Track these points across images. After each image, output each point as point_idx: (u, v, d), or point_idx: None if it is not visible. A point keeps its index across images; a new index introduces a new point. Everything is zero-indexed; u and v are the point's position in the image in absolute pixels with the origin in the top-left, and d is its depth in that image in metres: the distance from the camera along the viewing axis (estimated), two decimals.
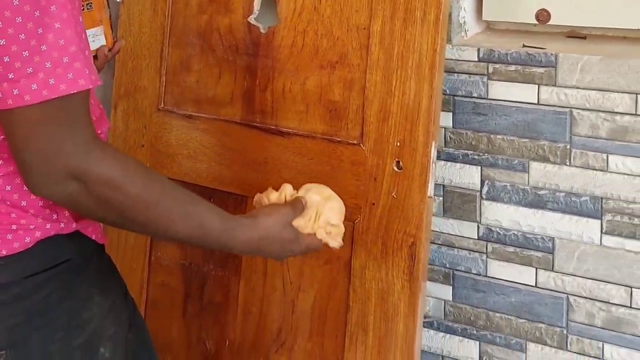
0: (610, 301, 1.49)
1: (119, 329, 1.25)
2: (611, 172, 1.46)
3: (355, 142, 1.46)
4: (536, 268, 1.55)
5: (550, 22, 1.54)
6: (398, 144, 1.41)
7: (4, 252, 1.11)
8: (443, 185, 1.61)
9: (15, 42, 0.97)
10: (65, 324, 1.17)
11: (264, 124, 1.55)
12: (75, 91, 0.99)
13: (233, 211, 1.59)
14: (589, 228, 1.49)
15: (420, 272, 1.42)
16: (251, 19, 1.59)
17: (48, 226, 1.14)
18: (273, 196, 1.28)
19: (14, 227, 1.12)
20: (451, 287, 1.63)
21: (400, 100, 1.40)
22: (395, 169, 1.42)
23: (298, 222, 1.24)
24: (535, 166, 1.53)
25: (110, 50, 1.48)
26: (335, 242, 1.26)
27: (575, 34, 1.57)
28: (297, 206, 1.26)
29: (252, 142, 1.56)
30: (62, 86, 0.98)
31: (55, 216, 1.15)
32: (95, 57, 1.43)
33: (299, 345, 1.54)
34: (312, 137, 1.50)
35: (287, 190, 1.28)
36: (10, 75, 0.97)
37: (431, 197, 1.42)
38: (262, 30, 1.58)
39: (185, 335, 1.69)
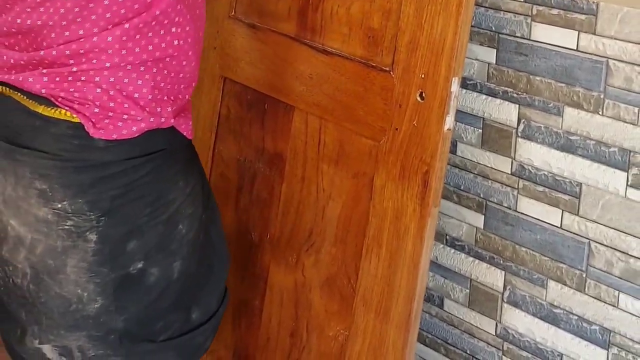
0: (630, 253, 1.50)
1: (196, 209, 1.46)
2: None
3: (387, 68, 1.54)
4: (562, 210, 1.58)
5: None
6: (423, 75, 1.48)
7: (114, 136, 1.33)
8: (483, 118, 1.66)
9: None
10: (153, 201, 1.38)
11: (313, 42, 1.65)
12: None
13: (282, 117, 1.75)
14: (615, 179, 1.50)
15: (431, 199, 1.49)
16: None
17: (152, 119, 1.34)
18: None
19: (125, 116, 1.33)
20: (483, 217, 1.70)
21: (429, 34, 1.46)
22: (419, 99, 1.49)
23: None
24: (569, 111, 1.54)
25: None
26: None
27: None
28: None
29: (302, 57, 1.67)
30: None
31: (159, 109, 1.35)
32: None
33: (325, 249, 1.67)
34: (351, 59, 1.59)
35: None
36: None
37: (449, 130, 1.48)
38: None
39: (236, 223, 1.86)
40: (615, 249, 1.52)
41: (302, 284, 1.72)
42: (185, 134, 1.43)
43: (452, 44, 1.43)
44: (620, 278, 1.52)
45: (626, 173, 1.49)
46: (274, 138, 1.77)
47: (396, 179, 1.53)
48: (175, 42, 1.36)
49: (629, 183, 1.49)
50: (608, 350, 1.55)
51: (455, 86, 1.45)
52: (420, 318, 1.56)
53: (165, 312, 1.46)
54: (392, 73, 1.53)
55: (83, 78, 1.31)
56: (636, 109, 1.46)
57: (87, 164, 1.34)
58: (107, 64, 1.30)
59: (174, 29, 1.35)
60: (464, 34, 1.43)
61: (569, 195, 1.57)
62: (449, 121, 1.47)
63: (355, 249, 1.62)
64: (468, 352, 1.76)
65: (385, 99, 1.54)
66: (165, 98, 1.36)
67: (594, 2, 1.47)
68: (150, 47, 1.32)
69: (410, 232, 1.52)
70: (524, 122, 1.60)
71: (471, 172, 1.70)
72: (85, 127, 1.32)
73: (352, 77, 1.59)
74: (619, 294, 1.53)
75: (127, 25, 1.29)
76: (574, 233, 1.57)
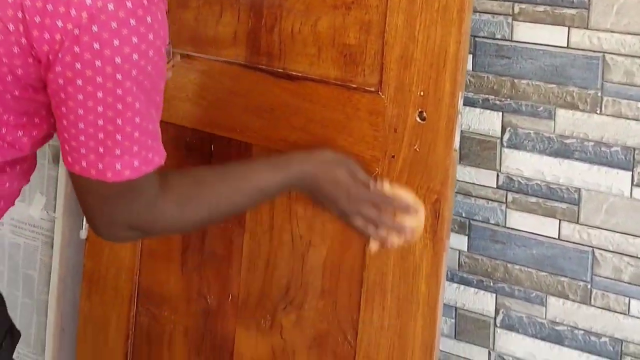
0: (639, 256, 1.41)
1: None
2: None
3: (373, 89, 1.34)
4: (560, 220, 1.46)
5: None
6: (421, 93, 1.30)
7: None
8: (461, 130, 1.50)
9: (111, 123, 1.03)
10: None
11: (271, 67, 1.43)
12: (152, 169, 1.09)
13: (236, 159, 1.50)
14: (619, 180, 1.40)
15: (445, 231, 1.33)
16: None
17: None
18: None
19: None
20: (467, 238, 1.55)
21: (425, 46, 1.28)
22: (418, 120, 1.31)
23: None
24: (562, 113, 1.42)
25: None
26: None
27: None
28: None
29: (257, 86, 1.45)
30: (143, 167, 1.07)
31: None
32: None
33: (310, 303, 1.46)
34: (324, 83, 1.38)
35: None
36: (101, 150, 1.04)
37: (456, 151, 1.32)
38: None
39: (184, 288, 1.61)
40: (623, 254, 1.43)
41: (282, 348, 1.49)
42: None
43: (456, 54, 1.26)
44: (631, 284, 1.43)
45: (631, 172, 1.40)
46: None
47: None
48: None
49: (634, 183, 1.40)
50: None
51: (461, 101, 1.28)
52: None
53: None
54: (380, 93, 1.33)
55: None
56: (639, 104, 1.37)
57: None
58: None
59: None
60: (466, 42, 1.27)
61: (566, 203, 1.45)
62: (457, 140, 1.30)
63: (350, 299, 1.42)
64: None
65: (374, 124, 1.34)
66: None
67: None
68: None
69: (422, 271, 1.35)
70: (509, 130, 1.47)
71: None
72: None
73: (328, 103, 1.38)
74: (629, 300, 1.43)
75: None
76: (575, 243, 1.46)
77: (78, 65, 0.99)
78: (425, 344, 1.36)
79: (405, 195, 1.30)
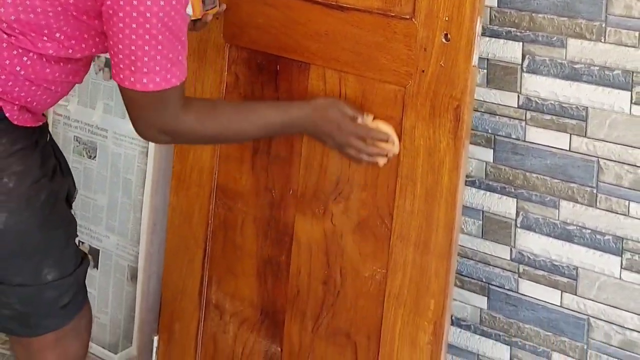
0: (637, 164, 1.61)
1: (28, 170, 1.57)
2: None
3: (407, 16, 1.62)
4: (570, 134, 1.68)
5: None
6: (447, 18, 1.57)
7: None
8: (487, 59, 1.75)
9: (140, 49, 1.40)
10: None
11: (325, 0, 1.72)
12: (170, 86, 1.44)
13: (297, 76, 1.79)
14: (620, 99, 1.61)
15: (464, 132, 1.59)
16: None
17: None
18: None
19: None
20: (492, 150, 1.78)
21: None
22: (444, 40, 1.58)
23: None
24: (572, 42, 1.65)
25: (198, 20, 1.69)
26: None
27: None
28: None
29: (314, 15, 1.73)
30: (163, 84, 1.43)
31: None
32: None
33: (355, 195, 1.74)
34: (368, 12, 1.67)
35: None
36: (132, 68, 1.41)
37: (475, 67, 1.58)
38: None
39: (253, 185, 1.89)
40: (623, 163, 1.63)
41: (332, 232, 1.78)
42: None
43: None
44: (630, 188, 1.63)
45: (630, 92, 1.61)
46: (289, 97, 1.81)
47: (426, 118, 1.62)
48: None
49: (633, 101, 1.61)
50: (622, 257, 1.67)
51: (479, 25, 1.55)
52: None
53: (8, 258, 1.59)
54: (414, 20, 1.61)
55: None
56: (636, 33, 1.58)
57: None
58: None
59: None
60: None
61: (575, 119, 1.67)
62: (475, 58, 1.57)
63: (387, 189, 1.69)
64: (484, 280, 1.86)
65: (408, 45, 1.62)
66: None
67: None
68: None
69: (446, 165, 1.61)
70: (528, 57, 1.70)
71: (478, 111, 1.78)
72: None
73: (372, 28, 1.66)
74: (629, 203, 1.64)
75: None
76: (583, 154, 1.67)
77: (121, 3, 1.37)
78: (447, 226, 1.62)
79: (384, 126, 1.64)
